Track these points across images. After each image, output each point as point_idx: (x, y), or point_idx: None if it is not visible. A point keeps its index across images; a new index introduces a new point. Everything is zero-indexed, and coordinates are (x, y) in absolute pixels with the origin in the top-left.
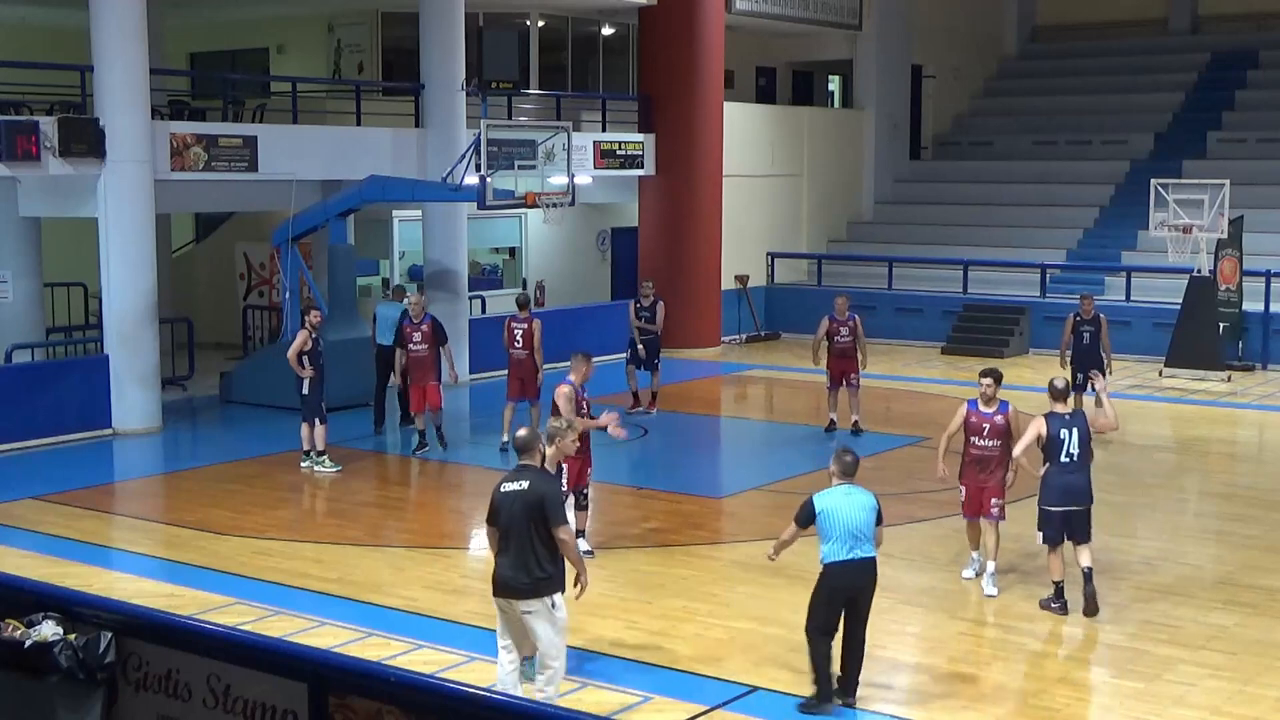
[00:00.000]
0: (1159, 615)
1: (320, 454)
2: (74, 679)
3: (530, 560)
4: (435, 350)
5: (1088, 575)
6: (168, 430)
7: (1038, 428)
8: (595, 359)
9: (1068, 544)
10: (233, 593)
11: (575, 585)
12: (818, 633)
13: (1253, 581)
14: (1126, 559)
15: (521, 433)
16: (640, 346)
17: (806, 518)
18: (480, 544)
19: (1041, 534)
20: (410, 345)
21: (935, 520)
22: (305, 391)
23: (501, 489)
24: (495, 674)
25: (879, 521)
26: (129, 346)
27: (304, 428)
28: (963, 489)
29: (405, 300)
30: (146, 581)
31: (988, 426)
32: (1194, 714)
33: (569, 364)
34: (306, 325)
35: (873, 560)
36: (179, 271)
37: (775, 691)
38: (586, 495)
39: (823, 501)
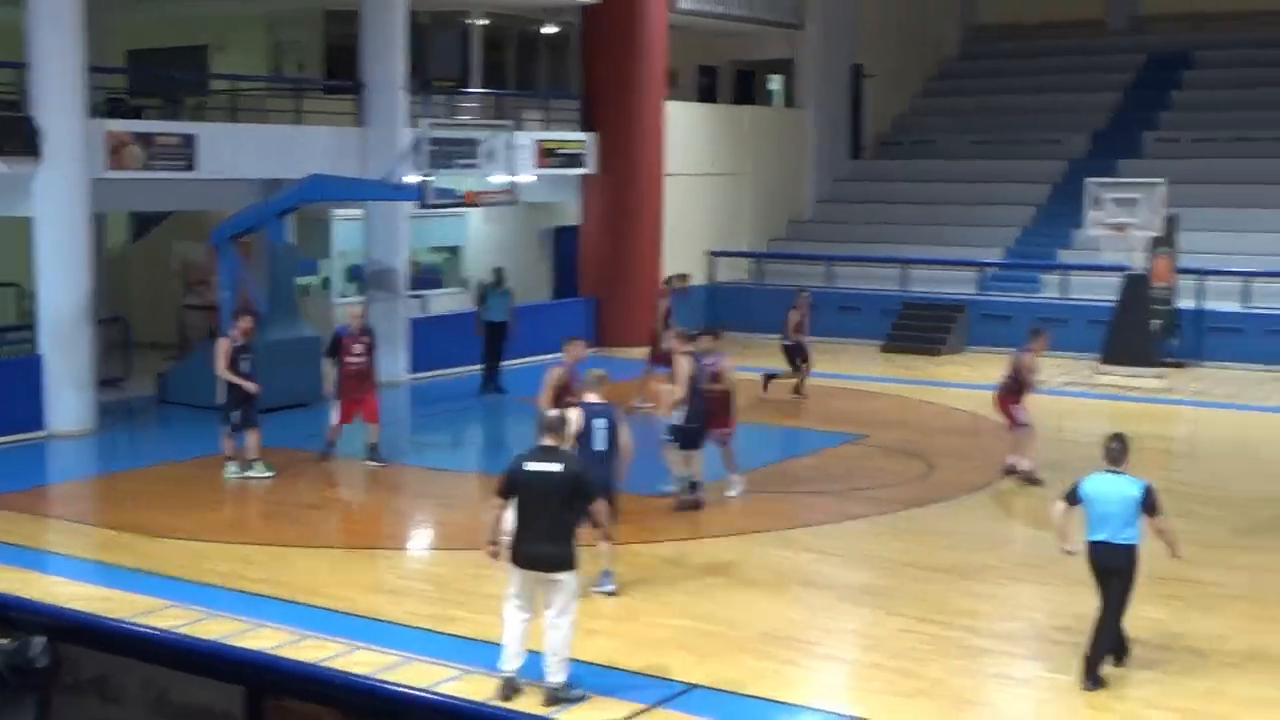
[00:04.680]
0: (1094, 610)
1: (252, 461)
2: (6, 684)
3: (560, 536)
4: (372, 361)
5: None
6: (103, 432)
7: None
8: (556, 354)
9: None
10: (168, 595)
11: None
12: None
13: (1188, 575)
14: (1062, 556)
15: (552, 414)
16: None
17: (1072, 496)
18: (419, 544)
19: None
20: (350, 357)
21: (873, 517)
22: (227, 399)
23: (526, 467)
24: (505, 629)
25: (1151, 511)
26: (63, 347)
27: (229, 437)
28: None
29: (349, 313)
30: (80, 585)
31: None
32: (1128, 707)
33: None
34: (232, 333)
35: (1124, 547)
36: (115, 271)
37: (714, 689)
38: None
39: (1086, 485)
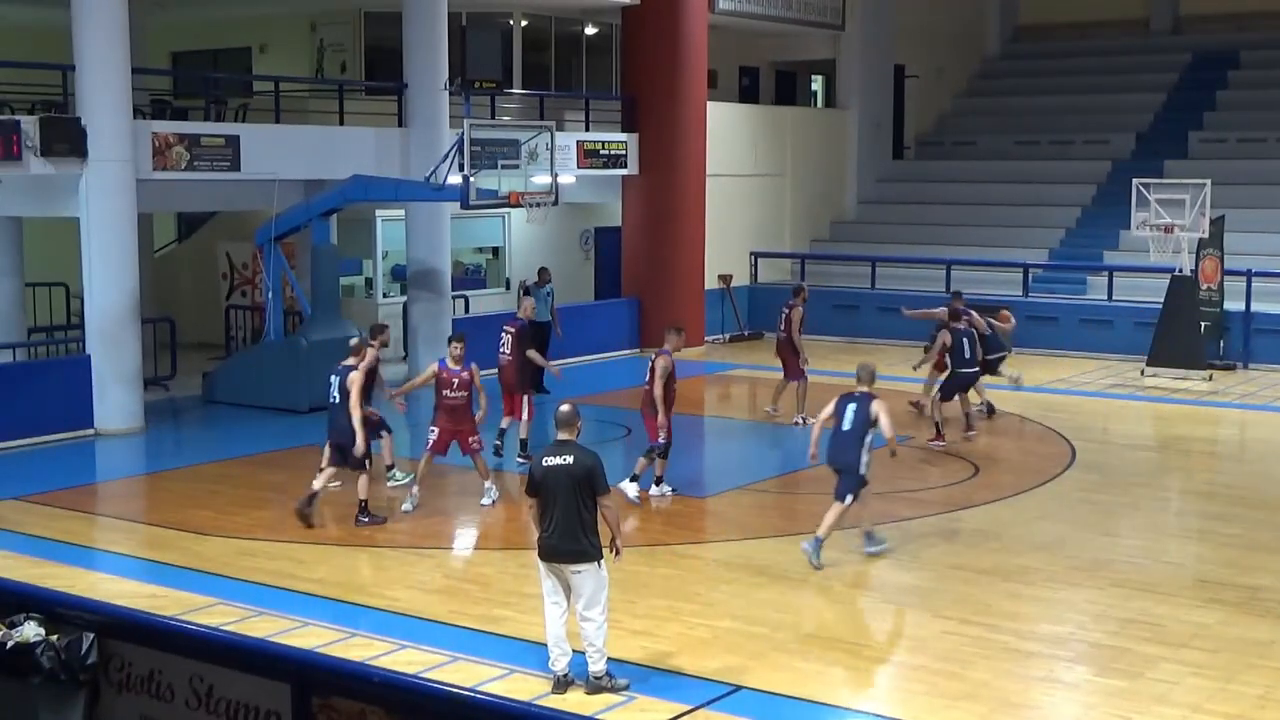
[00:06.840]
0: (1141, 613)
1: (389, 467)
2: (56, 680)
3: (576, 528)
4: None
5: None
6: (150, 430)
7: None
8: (599, 355)
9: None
10: (215, 593)
11: (610, 548)
12: None
13: (1234, 580)
14: (1108, 557)
15: (564, 408)
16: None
17: None
18: (464, 544)
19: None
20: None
21: (920, 519)
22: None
23: (543, 463)
24: (545, 626)
25: None
26: (111, 346)
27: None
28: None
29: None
30: (129, 582)
31: (456, 381)
32: (1176, 712)
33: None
34: (368, 354)
35: None
36: (161, 271)
37: (758, 690)
38: (668, 447)
39: None
